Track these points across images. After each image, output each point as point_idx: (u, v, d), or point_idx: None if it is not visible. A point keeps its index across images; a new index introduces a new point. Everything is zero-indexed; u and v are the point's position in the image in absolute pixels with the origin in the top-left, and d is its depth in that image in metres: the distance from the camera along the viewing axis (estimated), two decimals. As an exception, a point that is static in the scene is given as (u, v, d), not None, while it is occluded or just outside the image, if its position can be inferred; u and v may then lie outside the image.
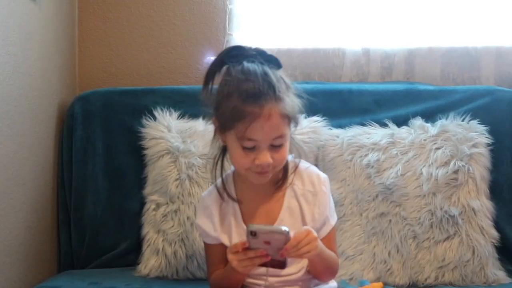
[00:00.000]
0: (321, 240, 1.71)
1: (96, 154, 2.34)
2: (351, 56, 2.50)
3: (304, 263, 1.75)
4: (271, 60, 1.70)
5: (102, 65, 2.58)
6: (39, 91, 2.21)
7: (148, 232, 2.21)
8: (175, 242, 2.17)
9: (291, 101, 1.66)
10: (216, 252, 1.78)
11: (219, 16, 2.56)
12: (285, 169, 1.76)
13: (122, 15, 2.58)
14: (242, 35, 2.52)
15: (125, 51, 2.58)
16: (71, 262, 2.34)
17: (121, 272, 2.22)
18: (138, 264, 2.21)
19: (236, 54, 1.69)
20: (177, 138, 2.25)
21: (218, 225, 1.77)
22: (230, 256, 1.60)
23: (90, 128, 2.34)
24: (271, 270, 1.66)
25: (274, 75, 1.64)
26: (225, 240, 1.76)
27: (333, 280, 1.86)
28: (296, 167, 1.77)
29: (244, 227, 1.72)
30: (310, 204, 1.75)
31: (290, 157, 1.76)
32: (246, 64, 1.65)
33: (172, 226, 2.18)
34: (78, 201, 2.32)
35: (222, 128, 1.68)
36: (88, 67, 2.58)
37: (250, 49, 1.70)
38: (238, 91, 1.62)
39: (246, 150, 1.64)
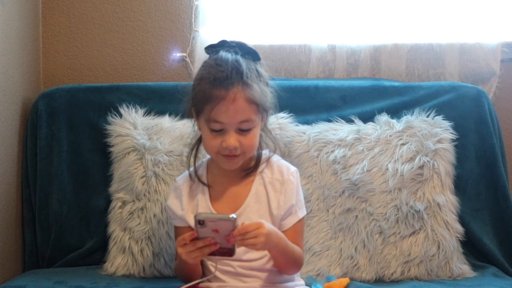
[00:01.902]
0: (287, 231, 1.78)
1: (61, 152, 2.31)
2: (317, 52, 2.50)
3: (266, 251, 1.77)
4: (250, 52, 1.79)
5: (66, 62, 2.55)
6: (2, 88, 2.18)
7: (114, 230, 2.20)
8: (142, 240, 2.16)
9: (260, 89, 1.74)
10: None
11: (185, 12, 2.54)
12: (258, 159, 1.84)
13: (86, 11, 2.55)
14: (208, 31, 2.51)
15: (90, 47, 2.56)
16: (36, 261, 2.32)
17: (87, 270, 2.20)
18: (105, 262, 2.20)
19: (217, 45, 1.81)
20: (143, 135, 2.24)
21: (186, 204, 1.84)
22: (179, 250, 1.63)
23: (54, 125, 2.32)
24: (221, 258, 1.69)
25: (247, 64, 1.74)
26: (191, 221, 1.78)
27: (300, 278, 1.91)
28: (268, 158, 1.85)
29: (212, 210, 1.80)
30: (277, 192, 1.81)
31: (266, 151, 1.84)
32: (221, 53, 1.76)
33: (139, 223, 2.17)
34: (43, 199, 2.29)
35: (196, 113, 1.78)
36: (53, 63, 2.55)
37: (231, 41, 1.81)
38: (207, 76, 1.72)
39: (214, 133, 1.73)
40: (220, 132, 1.72)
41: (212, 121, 1.71)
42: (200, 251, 1.61)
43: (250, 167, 1.84)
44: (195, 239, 1.60)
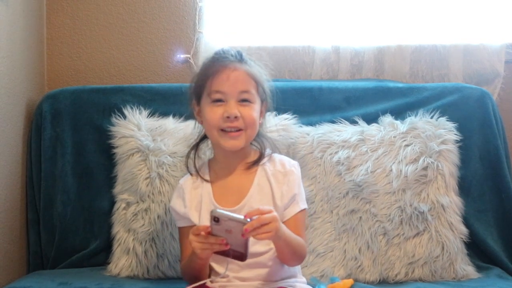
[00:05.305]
0: (288, 220, 1.81)
1: (65, 153, 2.31)
2: (321, 53, 2.50)
3: (272, 243, 1.77)
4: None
5: (71, 63, 2.56)
6: (7, 90, 2.18)
7: (119, 231, 2.20)
8: (146, 241, 2.16)
9: (258, 70, 1.83)
10: (187, 235, 1.78)
11: (189, 13, 2.55)
12: (260, 153, 1.87)
13: (91, 12, 2.55)
14: (212, 32, 2.51)
15: (94, 48, 2.56)
16: (41, 263, 2.32)
17: (91, 272, 2.21)
18: (109, 263, 2.20)
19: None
20: (147, 136, 2.24)
21: (188, 201, 1.86)
22: (192, 237, 1.64)
23: (59, 126, 2.32)
24: (231, 260, 1.68)
25: (248, 56, 1.83)
26: (195, 218, 1.83)
27: (301, 276, 1.92)
28: (270, 154, 1.89)
29: (216, 204, 1.82)
30: (280, 183, 1.84)
31: (267, 151, 1.88)
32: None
33: (143, 225, 2.17)
34: (47, 200, 2.30)
35: (197, 100, 1.84)
36: (57, 65, 2.56)
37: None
38: (210, 59, 1.84)
39: (216, 104, 1.79)
40: (222, 103, 1.78)
41: (214, 92, 1.78)
42: (211, 246, 1.62)
43: (252, 161, 1.87)
44: (209, 233, 1.61)
